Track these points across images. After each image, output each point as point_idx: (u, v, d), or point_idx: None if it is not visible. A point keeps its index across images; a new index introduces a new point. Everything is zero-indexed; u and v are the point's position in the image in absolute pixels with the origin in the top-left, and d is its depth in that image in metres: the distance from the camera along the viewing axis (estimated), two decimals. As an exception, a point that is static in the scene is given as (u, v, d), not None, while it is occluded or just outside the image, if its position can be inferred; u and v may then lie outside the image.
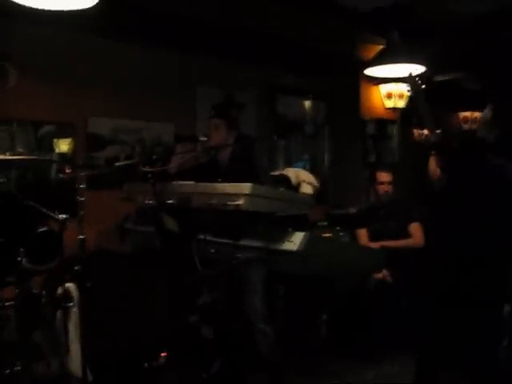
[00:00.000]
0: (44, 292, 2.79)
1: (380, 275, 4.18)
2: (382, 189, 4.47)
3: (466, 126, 7.39)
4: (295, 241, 2.73)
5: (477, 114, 7.19)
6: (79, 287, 2.75)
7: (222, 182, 3.00)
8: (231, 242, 2.92)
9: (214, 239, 2.96)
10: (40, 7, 3.06)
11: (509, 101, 2.96)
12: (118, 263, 3.52)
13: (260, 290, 3.21)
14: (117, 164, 3.37)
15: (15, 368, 2.48)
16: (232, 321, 3.42)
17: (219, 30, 4.66)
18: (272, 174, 4.71)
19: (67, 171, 3.95)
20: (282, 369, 3.37)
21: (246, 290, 3.22)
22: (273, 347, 3.28)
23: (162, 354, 3.20)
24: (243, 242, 2.89)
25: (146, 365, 3.20)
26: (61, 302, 2.77)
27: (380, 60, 5.14)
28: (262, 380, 3.37)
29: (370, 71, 5.32)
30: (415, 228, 4.39)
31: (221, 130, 3.48)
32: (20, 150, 3.96)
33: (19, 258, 2.45)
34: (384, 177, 4.48)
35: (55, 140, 4.24)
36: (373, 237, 4.43)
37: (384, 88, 5.93)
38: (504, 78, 5.08)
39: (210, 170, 3.54)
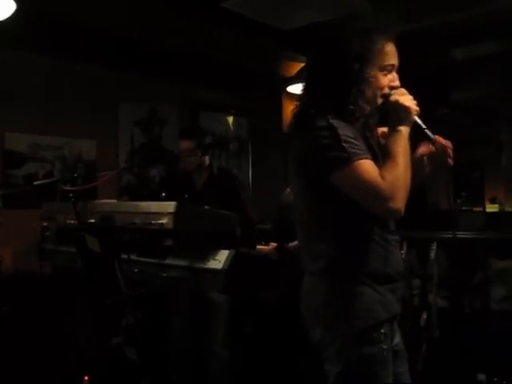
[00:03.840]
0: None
1: None
2: None
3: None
4: (220, 259, 2.72)
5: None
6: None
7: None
8: (156, 261, 2.88)
9: (138, 259, 2.92)
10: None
11: None
12: (36, 285, 3.40)
13: (187, 310, 3.18)
14: (35, 183, 3.26)
15: None
16: (158, 342, 3.38)
17: (141, 45, 4.65)
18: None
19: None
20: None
21: (173, 310, 3.19)
22: (226, 370, 3.30)
23: (85, 378, 3.10)
24: (168, 261, 2.86)
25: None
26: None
27: (300, 77, 5.25)
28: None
29: (292, 88, 5.42)
30: None
31: None
32: None
33: None
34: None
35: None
36: None
37: (305, 104, 6.06)
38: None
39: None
